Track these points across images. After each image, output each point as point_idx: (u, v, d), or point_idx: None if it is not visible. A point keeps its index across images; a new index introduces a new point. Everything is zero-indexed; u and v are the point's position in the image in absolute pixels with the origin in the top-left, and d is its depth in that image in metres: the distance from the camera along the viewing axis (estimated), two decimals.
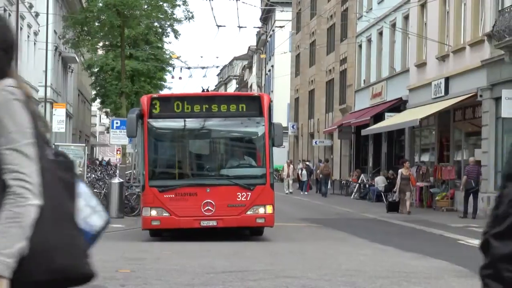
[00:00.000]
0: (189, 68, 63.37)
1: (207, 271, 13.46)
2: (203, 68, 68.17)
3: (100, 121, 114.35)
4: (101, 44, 51.36)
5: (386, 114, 42.48)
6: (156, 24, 48.89)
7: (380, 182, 42.58)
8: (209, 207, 19.82)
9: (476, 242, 21.60)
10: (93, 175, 36.78)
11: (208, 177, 21.14)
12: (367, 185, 45.81)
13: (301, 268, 14.41)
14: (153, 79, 57.10)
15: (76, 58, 62.21)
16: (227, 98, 23.53)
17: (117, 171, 35.24)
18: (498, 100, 29.65)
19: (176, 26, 47.05)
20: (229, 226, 20.49)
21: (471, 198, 30.09)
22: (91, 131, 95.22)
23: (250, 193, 20.03)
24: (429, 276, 13.78)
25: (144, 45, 53.38)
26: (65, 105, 52.31)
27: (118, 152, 45.67)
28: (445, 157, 36.98)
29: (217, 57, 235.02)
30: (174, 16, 45.59)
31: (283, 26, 64.47)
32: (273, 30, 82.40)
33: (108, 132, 59.09)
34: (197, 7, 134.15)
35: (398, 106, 42.99)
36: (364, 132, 45.95)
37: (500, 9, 29.26)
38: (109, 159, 79.04)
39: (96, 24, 44.14)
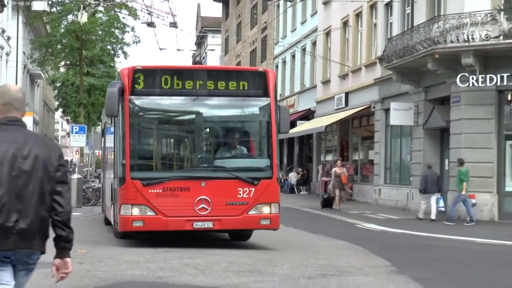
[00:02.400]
0: None
1: (150, 251, 13.41)
2: None
3: (62, 127, 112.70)
4: (62, 63, 50.70)
5: (298, 122, 42.75)
6: (109, 47, 48.56)
7: (293, 177, 43.09)
8: (204, 205, 13.67)
9: (370, 225, 21.93)
10: None
11: (203, 168, 14.26)
12: (282, 180, 46.05)
13: (228, 248, 14.44)
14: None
15: (42, 74, 61.22)
16: (227, 73, 15.13)
17: (76, 169, 34.91)
18: (387, 110, 30.10)
19: (126, 48, 46.89)
20: (228, 229, 14.63)
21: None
22: (54, 135, 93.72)
23: (253, 189, 13.87)
24: (332, 253, 13.93)
25: (99, 64, 52.81)
26: (33, 113, 51.62)
27: (77, 153, 45.05)
28: (345, 157, 37.37)
29: None
30: (124, 40, 45.49)
31: (214, 49, 64.58)
32: (206, 53, 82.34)
33: (68, 136, 58.26)
34: (143, 33, 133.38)
35: (308, 115, 43.35)
36: (280, 136, 46.11)
37: (389, 37, 29.70)
38: (72, 158, 77.98)
39: (59, 46, 43.62)
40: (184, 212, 13.68)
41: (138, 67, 14.04)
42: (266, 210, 13.95)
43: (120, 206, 13.91)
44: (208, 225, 13.83)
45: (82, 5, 38.98)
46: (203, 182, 13.73)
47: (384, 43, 29.95)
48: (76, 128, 33.64)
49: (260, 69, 15.12)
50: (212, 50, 66.07)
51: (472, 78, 23.66)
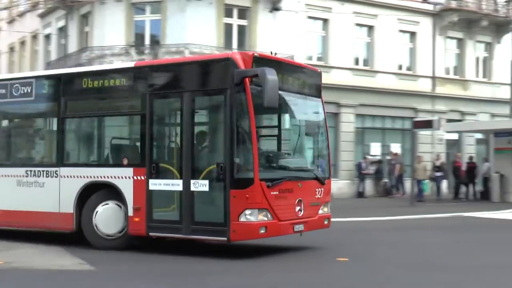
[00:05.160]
0: None
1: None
2: None
3: None
4: None
5: None
6: None
7: None
8: (300, 207, 10.10)
9: None
10: None
11: (300, 169, 10.55)
12: None
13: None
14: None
15: None
16: (301, 70, 11.01)
17: None
18: None
19: None
20: (309, 230, 10.58)
21: None
22: None
23: (323, 189, 10.75)
24: None
25: None
26: None
27: None
28: None
29: None
30: None
31: None
32: None
33: None
34: None
35: None
36: None
37: (47, 62, 29.35)
38: None
39: None
40: (289, 215, 9.89)
41: (256, 55, 9.65)
42: (326, 209, 10.87)
43: (242, 211, 9.24)
44: (301, 227, 10.12)
45: None
46: (300, 182, 10.15)
47: (44, 67, 29.55)
48: None
49: (318, 70, 11.44)
50: None
51: None
